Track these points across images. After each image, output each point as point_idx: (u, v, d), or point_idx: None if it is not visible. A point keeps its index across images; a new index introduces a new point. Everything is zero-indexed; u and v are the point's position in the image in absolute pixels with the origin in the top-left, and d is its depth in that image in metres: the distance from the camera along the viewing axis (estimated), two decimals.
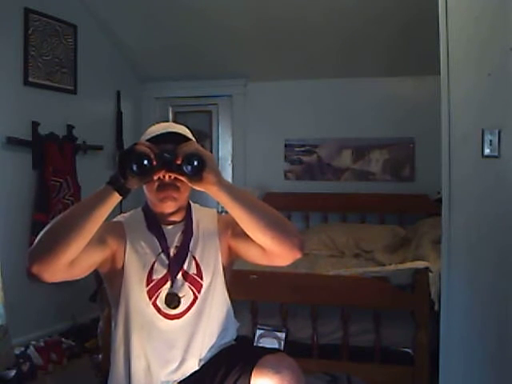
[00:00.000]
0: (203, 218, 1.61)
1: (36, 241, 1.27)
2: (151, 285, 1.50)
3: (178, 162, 1.35)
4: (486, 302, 1.96)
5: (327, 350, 2.40)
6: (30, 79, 3.32)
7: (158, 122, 1.65)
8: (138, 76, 4.55)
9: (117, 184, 1.32)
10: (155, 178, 1.41)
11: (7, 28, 3.18)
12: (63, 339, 3.17)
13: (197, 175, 1.35)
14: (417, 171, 4.11)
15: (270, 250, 1.41)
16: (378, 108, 4.11)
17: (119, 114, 4.22)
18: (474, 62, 1.99)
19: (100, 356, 2.52)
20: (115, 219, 1.58)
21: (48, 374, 2.88)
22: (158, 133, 1.47)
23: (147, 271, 1.50)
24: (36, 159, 3.33)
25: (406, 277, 2.29)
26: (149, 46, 4.18)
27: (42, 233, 1.28)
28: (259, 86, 4.37)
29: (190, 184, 1.41)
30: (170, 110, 4.71)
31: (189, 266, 1.53)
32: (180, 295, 1.50)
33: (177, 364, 1.51)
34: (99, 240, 1.41)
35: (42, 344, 3.01)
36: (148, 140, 1.45)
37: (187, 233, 1.56)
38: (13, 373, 2.64)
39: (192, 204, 1.63)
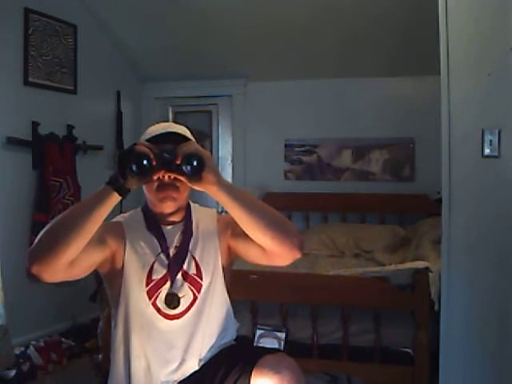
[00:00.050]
0: (203, 218, 1.61)
1: (36, 241, 1.27)
2: (151, 285, 1.50)
3: (178, 162, 1.35)
4: (485, 301, 1.96)
5: (327, 350, 2.40)
6: (30, 79, 3.32)
7: (157, 122, 1.65)
8: (138, 76, 4.55)
9: (116, 184, 1.32)
10: (155, 178, 1.41)
11: (7, 28, 3.18)
12: (63, 339, 3.17)
13: (196, 175, 1.35)
14: (417, 171, 4.11)
15: (270, 250, 1.41)
16: (378, 108, 4.11)
17: (119, 114, 4.22)
18: (473, 62, 1.99)
19: (100, 356, 2.52)
20: (114, 219, 1.58)
21: (48, 373, 2.88)
22: (158, 133, 1.48)
23: (147, 271, 1.50)
24: (36, 159, 3.33)
25: (406, 277, 2.29)
26: (149, 45, 4.18)
27: (41, 233, 1.28)
28: (259, 86, 4.37)
29: (189, 184, 1.41)
30: (170, 110, 4.71)
31: (188, 266, 1.53)
32: (180, 295, 1.50)
33: (177, 364, 1.51)
34: (99, 240, 1.41)
35: (41, 344, 3.01)
36: (147, 140, 1.45)
37: (187, 233, 1.56)
38: (13, 373, 2.64)
39: (192, 204, 1.63)
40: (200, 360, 1.53)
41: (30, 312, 3.18)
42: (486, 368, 1.97)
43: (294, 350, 2.12)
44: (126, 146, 3.98)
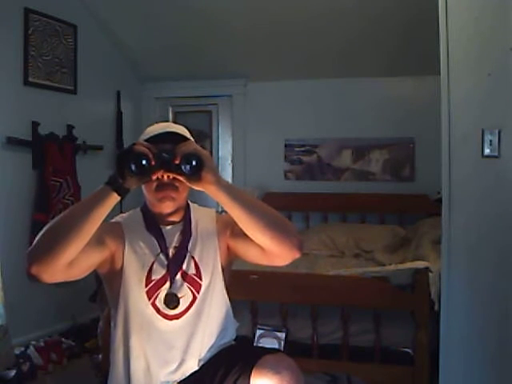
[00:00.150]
0: (202, 218, 1.61)
1: (35, 241, 1.27)
2: (150, 285, 1.49)
3: (177, 162, 1.35)
4: (485, 301, 1.96)
5: (327, 350, 2.40)
6: (30, 79, 3.32)
7: (157, 122, 1.65)
8: (138, 76, 4.55)
9: (115, 184, 1.31)
10: (154, 177, 1.41)
11: (7, 28, 3.18)
12: (63, 339, 3.17)
13: (195, 175, 1.35)
14: (417, 171, 4.11)
15: (270, 250, 1.41)
16: (378, 108, 4.10)
17: (119, 114, 4.22)
18: (473, 62, 1.99)
19: (100, 356, 2.52)
20: (114, 220, 1.58)
21: (48, 373, 2.88)
22: (157, 133, 1.47)
23: (146, 271, 1.50)
24: (36, 159, 3.33)
25: (406, 277, 2.29)
26: (149, 45, 4.18)
27: (40, 233, 1.28)
28: (259, 86, 4.37)
29: (188, 184, 1.40)
30: (170, 109, 4.72)
31: (188, 266, 1.53)
32: (179, 295, 1.50)
33: (176, 364, 1.51)
34: (98, 241, 1.41)
35: (42, 344, 3.01)
36: (146, 140, 1.44)
37: (186, 233, 1.55)
38: (13, 373, 2.64)
39: (191, 204, 1.63)
40: (200, 360, 1.53)
41: (30, 312, 3.18)
42: (486, 368, 1.97)
43: (294, 350, 2.12)
44: (125, 146, 3.98)
